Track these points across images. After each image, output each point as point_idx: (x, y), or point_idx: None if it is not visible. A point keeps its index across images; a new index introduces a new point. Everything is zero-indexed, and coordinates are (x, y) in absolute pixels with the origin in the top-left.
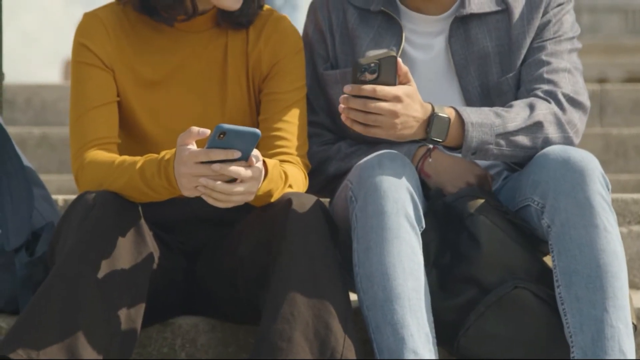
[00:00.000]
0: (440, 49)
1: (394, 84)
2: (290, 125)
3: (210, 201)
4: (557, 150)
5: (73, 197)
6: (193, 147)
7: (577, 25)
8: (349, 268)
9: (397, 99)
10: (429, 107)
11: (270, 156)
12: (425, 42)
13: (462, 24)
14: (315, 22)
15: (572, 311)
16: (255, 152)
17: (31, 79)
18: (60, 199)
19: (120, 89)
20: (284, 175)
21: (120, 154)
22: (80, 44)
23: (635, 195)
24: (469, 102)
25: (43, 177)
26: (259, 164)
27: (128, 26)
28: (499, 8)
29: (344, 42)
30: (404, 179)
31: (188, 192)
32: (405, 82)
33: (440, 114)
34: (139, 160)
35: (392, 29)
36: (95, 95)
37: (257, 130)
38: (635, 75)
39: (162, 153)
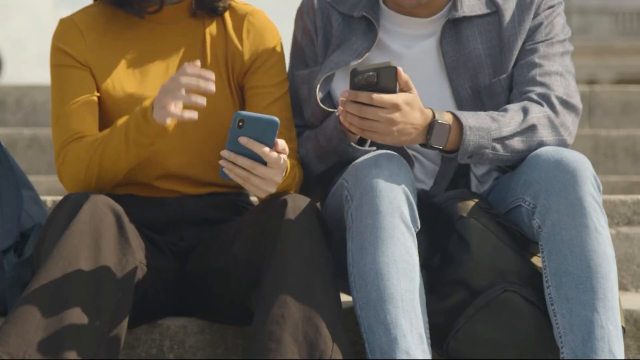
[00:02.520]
0: (431, 51)
1: (394, 92)
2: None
3: (231, 175)
4: (549, 151)
5: None
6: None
7: (568, 28)
8: (340, 270)
9: (395, 107)
10: (430, 113)
11: None
12: (415, 44)
13: (454, 26)
14: (303, 26)
15: (562, 312)
16: (283, 143)
17: (21, 81)
18: (49, 200)
19: (101, 85)
20: (297, 176)
21: None
22: (56, 48)
23: (624, 197)
24: (460, 103)
25: (33, 179)
26: (284, 156)
27: (103, 24)
28: (490, 10)
29: (325, 45)
30: (400, 180)
31: (161, 113)
32: (406, 90)
33: (440, 121)
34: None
35: (368, 34)
36: (73, 93)
37: (276, 118)
38: (626, 77)
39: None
